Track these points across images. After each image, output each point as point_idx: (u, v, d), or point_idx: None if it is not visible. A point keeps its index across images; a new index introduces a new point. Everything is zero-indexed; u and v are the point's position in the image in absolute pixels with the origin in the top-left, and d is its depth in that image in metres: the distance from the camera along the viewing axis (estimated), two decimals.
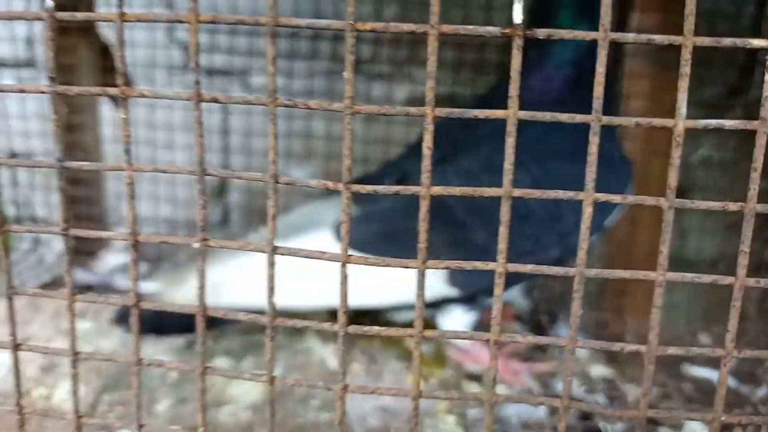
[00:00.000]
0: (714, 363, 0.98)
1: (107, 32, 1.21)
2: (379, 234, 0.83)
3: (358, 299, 0.58)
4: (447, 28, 0.31)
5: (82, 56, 1.19)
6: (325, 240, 0.85)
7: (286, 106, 0.34)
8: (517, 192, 0.33)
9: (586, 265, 0.34)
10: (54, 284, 1.13)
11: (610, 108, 0.77)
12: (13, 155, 1.30)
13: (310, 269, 0.60)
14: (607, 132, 0.83)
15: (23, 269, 1.18)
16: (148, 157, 1.26)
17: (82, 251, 1.24)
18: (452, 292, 0.82)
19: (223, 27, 1.21)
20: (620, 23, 1.08)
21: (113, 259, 1.25)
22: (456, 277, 0.81)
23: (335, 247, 0.75)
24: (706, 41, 0.31)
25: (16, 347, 0.42)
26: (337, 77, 1.23)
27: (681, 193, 1.21)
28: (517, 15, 0.31)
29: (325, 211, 0.93)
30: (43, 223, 1.28)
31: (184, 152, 1.26)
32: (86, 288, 1.12)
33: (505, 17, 1.20)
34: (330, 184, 0.35)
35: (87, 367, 0.82)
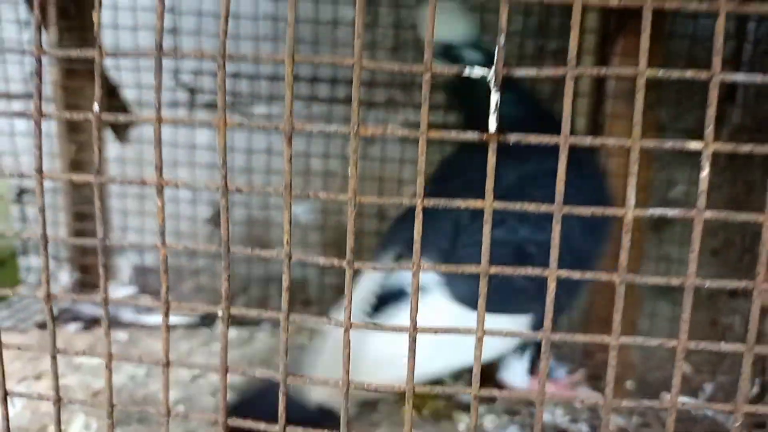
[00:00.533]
0: (692, 392, 1.04)
1: (114, 74, 1.26)
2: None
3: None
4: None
5: (89, 97, 1.24)
6: (436, 302, 0.81)
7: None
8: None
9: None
10: (60, 318, 1.17)
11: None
12: (22, 191, 1.35)
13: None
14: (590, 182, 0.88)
15: (30, 302, 1.23)
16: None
17: (89, 283, 1.29)
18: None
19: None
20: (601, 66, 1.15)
21: (119, 291, 1.29)
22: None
23: (451, 306, 0.79)
24: (651, 143, 0.36)
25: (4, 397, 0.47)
26: (336, 104, 1.28)
27: (661, 226, 1.27)
28: (492, 124, 0.36)
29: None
30: (54, 260, 1.33)
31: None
32: (93, 321, 1.17)
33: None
34: (335, 263, 0.39)
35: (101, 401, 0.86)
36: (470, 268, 0.39)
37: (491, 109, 0.36)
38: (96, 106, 0.40)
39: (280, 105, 1.29)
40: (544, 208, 0.37)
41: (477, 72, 0.36)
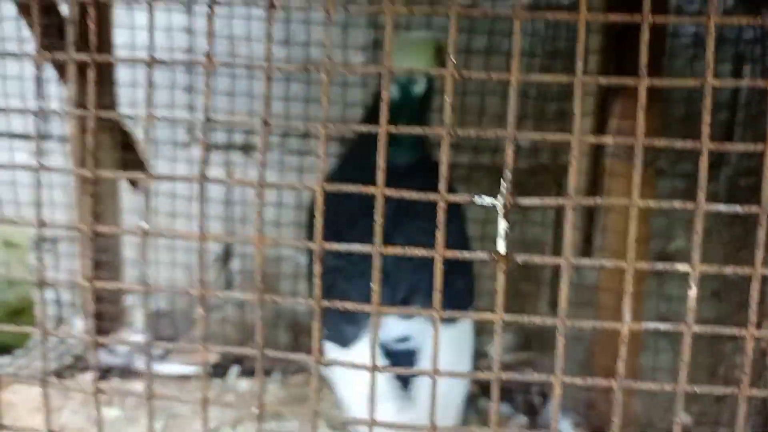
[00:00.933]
0: None
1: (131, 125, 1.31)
2: None
3: None
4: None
5: (105, 150, 1.29)
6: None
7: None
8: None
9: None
10: (76, 366, 1.20)
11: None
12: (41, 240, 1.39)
13: None
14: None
15: (46, 350, 1.26)
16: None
17: (103, 330, 1.32)
18: None
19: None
20: (600, 127, 1.19)
21: (133, 338, 1.32)
22: None
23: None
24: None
25: None
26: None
27: (664, 278, 1.30)
28: (501, 246, 0.40)
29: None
30: (69, 307, 1.36)
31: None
32: (107, 370, 1.20)
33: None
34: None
35: None
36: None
37: (500, 235, 0.40)
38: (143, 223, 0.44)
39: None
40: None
41: (487, 201, 0.40)
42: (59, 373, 1.18)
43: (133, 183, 1.38)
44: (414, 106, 0.96)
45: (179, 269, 1.36)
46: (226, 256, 1.45)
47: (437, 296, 0.41)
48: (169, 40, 1.29)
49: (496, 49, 1.28)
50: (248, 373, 1.21)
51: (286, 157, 1.35)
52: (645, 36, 0.41)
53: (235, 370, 1.21)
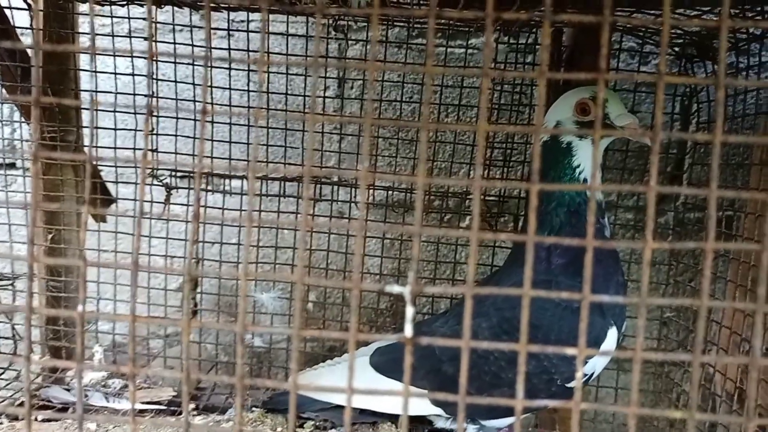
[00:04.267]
0: None
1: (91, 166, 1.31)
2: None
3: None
4: None
5: (68, 185, 1.29)
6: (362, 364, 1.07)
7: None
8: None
9: None
10: (30, 403, 1.17)
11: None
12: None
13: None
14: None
15: None
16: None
17: (59, 367, 1.29)
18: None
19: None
20: None
21: (89, 375, 1.30)
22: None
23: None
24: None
25: None
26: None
27: None
28: (408, 330, 0.43)
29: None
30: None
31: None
32: (63, 408, 1.17)
33: None
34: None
35: None
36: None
37: (407, 319, 0.43)
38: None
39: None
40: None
41: (396, 290, 0.43)
42: (14, 417, 1.15)
43: (95, 216, 1.37)
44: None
45: (142, 297, 1.35)
46: (195, 283, 1.46)
47: None
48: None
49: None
50: (204, 409, 1.20)
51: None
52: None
53: (190, 406, 1.20)
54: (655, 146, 0.43)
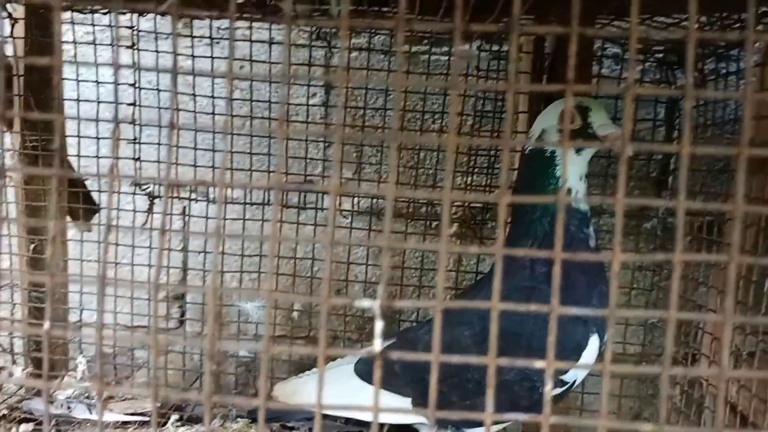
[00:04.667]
0: None
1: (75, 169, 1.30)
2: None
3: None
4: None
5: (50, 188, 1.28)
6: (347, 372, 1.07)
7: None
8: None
9: None
10: (8, 418, 1.16)
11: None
12: None
13: None
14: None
15: None
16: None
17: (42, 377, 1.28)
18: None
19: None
20: None
21: (71, 387, 1.29)
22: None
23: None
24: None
25: None
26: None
27: None
28: (378, 344, 0.42)
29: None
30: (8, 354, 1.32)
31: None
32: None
33: None
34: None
35: None
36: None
37: (377, 334, 0.43)
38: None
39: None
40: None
41: (365, 304, 0.43)
42: None
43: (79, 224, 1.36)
44: None
45: (125, 308, 1.34)
46: (182, 294, 1.46)
47: None
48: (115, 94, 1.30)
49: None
50: (188, 420, 1.19)
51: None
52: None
53: (173, 417, 1.19)
54: (622, 158, 0.43)
